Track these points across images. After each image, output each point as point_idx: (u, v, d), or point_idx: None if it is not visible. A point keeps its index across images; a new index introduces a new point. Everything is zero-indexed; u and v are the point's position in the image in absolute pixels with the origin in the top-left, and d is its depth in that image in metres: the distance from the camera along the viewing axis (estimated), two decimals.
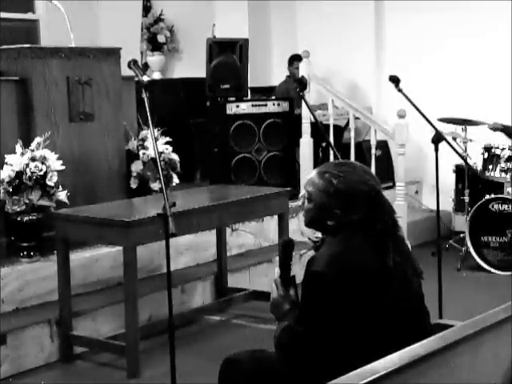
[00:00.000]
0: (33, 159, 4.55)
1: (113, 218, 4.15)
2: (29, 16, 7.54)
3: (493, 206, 6.10)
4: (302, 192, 2.63)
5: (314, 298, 2.40)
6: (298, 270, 2.60)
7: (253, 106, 6.61)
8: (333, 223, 2.50)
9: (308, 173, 3.17)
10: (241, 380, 2.57)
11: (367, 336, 2.36)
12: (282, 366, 2.49)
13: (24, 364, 4.21)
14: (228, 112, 6.51)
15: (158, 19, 7.88)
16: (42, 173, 4.54)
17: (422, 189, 7.75)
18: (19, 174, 4.54)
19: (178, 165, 5.46)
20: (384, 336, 2.36)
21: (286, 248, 2.59)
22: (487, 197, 6.13)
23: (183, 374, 3.56)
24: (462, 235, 6.40)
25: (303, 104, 6.37)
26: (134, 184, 5.29)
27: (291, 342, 2.45)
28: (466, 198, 6.46)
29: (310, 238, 2.73)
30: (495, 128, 6.27)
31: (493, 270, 6.08)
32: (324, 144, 6.82)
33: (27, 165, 4.53)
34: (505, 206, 6.06)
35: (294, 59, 7.65)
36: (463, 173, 6.50)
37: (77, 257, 4.71)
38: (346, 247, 2.43)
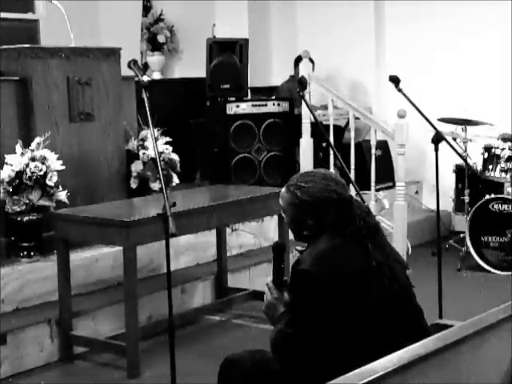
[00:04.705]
0: (33, 159, 4.56)
1: (113, 218, 4.15)
2: (29, 16, 7.51)
3: (493, 206, 6.10)
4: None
5: (302, 297, 2.41)
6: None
7: (253, 106, 6.61)
8: (308, 233, 2.55)
9: None
10: (240, 380, 2.57)
11: (359, 333, 2.37)
12: (280, 366, 2.50)
13: (24, 364, 4.20)
14: (228, 112, 6.51)
15: (158, 19, 7.86)
16: (42, 173, 4.54)
17: (422, 189, 7.74)
18: (19, 174, 4.54)
19: (178, 165, 5.47)
20: (376, 331, 2.37)
21: (278, 251, 2.58)
22: (487, 197, 6.13)
23: (183, 374, 3.56)
24: (461, 235, 6.39)
25: (303, 104, 6.37)
26: (134, 184, 5.29)
27: (284, 343, 2.45)
28: (466, 198, 6.45)
29: (296, 249, 2.76)
30: (505, 138, 6.25)
31: (493, 270, 6.07)
32: (324, 144, 6.82)
33: (27, 165, 4.53)
34: (505, 206, 6.06)
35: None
36: (463, 173, 6.50)
37: (77, 257, 4.70)
38: (329, 246, 2.47)
